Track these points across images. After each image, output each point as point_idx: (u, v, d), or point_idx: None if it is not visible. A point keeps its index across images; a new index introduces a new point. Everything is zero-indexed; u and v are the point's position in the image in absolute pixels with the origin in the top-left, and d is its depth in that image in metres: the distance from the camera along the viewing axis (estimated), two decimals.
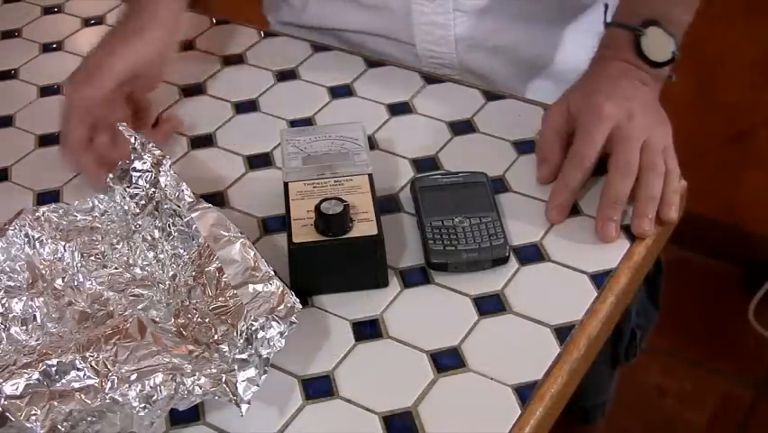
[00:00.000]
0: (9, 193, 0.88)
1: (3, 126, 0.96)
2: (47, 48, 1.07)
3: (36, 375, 0.63)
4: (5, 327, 0.71)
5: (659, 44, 0.85)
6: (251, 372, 0.64)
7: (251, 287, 0.68)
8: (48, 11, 1.13)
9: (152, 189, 0.76)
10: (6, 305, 0.72)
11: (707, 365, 1.78)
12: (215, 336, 0.68)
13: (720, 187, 1.79)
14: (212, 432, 0.67)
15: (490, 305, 0.74)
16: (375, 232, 0.74)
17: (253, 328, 0.65)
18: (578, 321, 0.72)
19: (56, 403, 0.62)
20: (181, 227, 0.74)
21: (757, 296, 1.79)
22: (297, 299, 0.67)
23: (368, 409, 0.68)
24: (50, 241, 0.75)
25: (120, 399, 0.62)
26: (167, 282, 0.74)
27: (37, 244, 0.75)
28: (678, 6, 0.88)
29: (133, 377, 0.63)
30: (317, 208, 0.74)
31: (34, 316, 0.72)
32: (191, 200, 0.74)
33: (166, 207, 0.75)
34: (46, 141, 0.93)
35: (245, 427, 0.67)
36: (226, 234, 0.71)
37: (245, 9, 1.16)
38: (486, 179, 0.83)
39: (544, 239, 0.79)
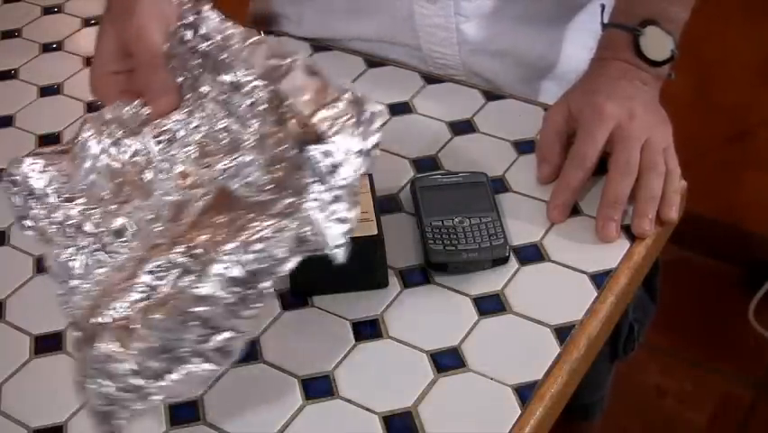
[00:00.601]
0: None
1: (3, 126, 0.96)
2: (47, 48, 1.07)
3: (139, 291, 0.59)
4: (102, 246, 0.64)
5: (658, 43, 0.85)
6: (340, 208, 0.59)
7: (323, 111, 0.62)
8: (48, 11, 1.13)
9: (204, 43, 0.69)
10: (94, 222, 0.65)
11: (707, 365, 1.78)
12: (306, 180, 0.61)
13: (720, 187, 1.79)
14: (212, 432, 0.67)
15: (490, 305, 0.74)
16: (375, 232, 0.74)
17: (315, 160, 0.59)
18: (578, 321, 0.72)
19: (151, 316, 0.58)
20: (245, 75, 0.67)
21: (757, 296, 1.79)
22: (376, 105, 0.62)
23: (368, 410, 0.68)
24: (120, 142, 0.68)
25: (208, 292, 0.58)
26: (251, 139, 0.67)
27: (112, 150, 0.68)
28: (675, 5, 0.88)
29: (239, 252, 0.58)
30: None
31: (125, 225, 0.65)
32: (241, 36, 0.67)
33: (222, 56, 0.68)
34: (46, 141, 0.93)
35: (245, 427, 0.67)
36: (284, 61, 0.65)
37: (245, 9, 1.16)
38: (486, 179, 0.83)
39: (544, 239, 0.79)
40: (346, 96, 0.62)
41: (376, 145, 0.61)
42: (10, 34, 1.10)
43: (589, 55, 0.89)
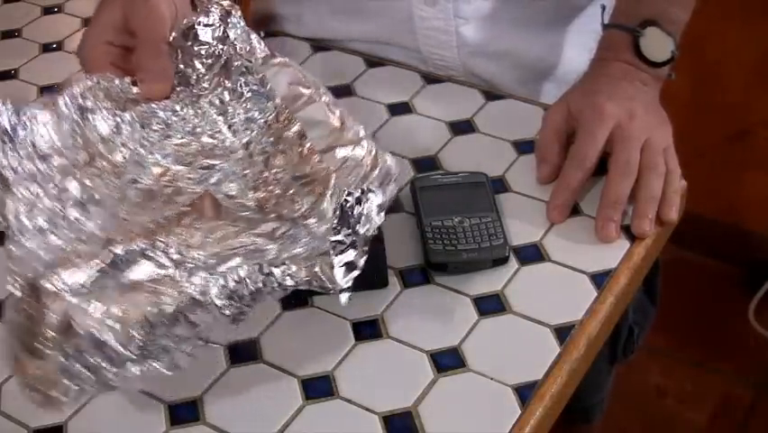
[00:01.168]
0: None
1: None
2: (47, 48, 1.07)
3: (101, 266, 0.56)
4: (62, 211, 0.61)
5: (658, 44, 0.85)
6: (350, 255, 0.57)
7: (338, 151, 0.60)
8: (48, 11, 1.13)
9: (221, 46, 0.67)
10: (62, 186, 0.62)
11: (707, 365, 1.78)
12: (302, 210, 0.60)
13: (720, 187, 1.79)
14: (212, 432, 0.67)
15: (490, 305, 0.74)
16: (375, 232, 0.74)
17: (348, 205, 0.57)
18: (578, 321, 0.72)
19: (126, 306, 0.55)
20: (254, 86, 0.66)
21: (757, 296, 1.79)
22: (392, 160, 0.60)
23: (368, 410, 0.68)
24: (105, 112, 0.66)
25: (200, 297, 0.56)
26: (240, 151, 0.65)
27: (91, 117, 0.66)
28: (675, 6, 0.88)
29: (212, 261, 0.56)
30: None
31: (93, 196, 0.63)
32: (265, 54, 0.66)
33: (236, 63, 0.67)
34: None
35: (245, 427, 0.67)
36: (306, 91, 0.64)
37: (245, 9, 1.16)
38: (486, 179, 0.83)
39: (543, 239, 0.79)
40: (364, 144, 0.61)
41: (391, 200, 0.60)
42: (10, 34, 1.10)
43: (589, 56, 0.89)
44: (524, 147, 0.88)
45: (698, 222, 1.33)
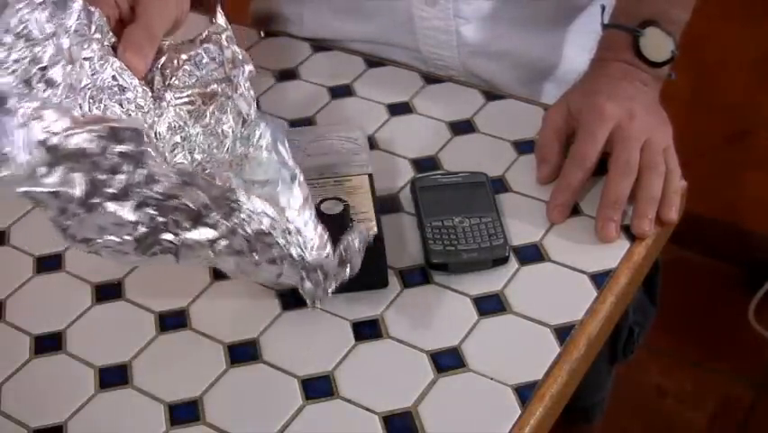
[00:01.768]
0: None
1: None
2: None
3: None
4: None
5: (658, 44, 0.85)
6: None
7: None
8: None
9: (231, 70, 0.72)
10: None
11: (707, 365, 1.78)
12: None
13: (720, 187, 1.79)
14: (212, 432, 0.67)
15: (490, 305, 0.74)
16: (375, 232, 0.74)
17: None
18: (578, 321, 0.72)
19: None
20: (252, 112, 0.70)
21: (757, 296, 1.79)
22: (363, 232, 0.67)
23: (368, 410, 0.68)
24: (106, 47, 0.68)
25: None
26: (227, 157, 0.70)
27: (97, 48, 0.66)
28: (676, 6, 0.88)
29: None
30: (317, 208, 0.74)
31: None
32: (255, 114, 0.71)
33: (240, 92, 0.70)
34: None
35: (245, 427, 0.67)
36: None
37: (245, 9, 1.16)
38: (486, 179, 0.83)
39: (544, 239, 0.79)
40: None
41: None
42: None
43: (589, 56, 0.89)
44: (524, 147, 0.88)
45: (698, 222, 1.33)
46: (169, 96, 0.69)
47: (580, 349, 0.71)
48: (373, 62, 1.00)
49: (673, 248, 0.94)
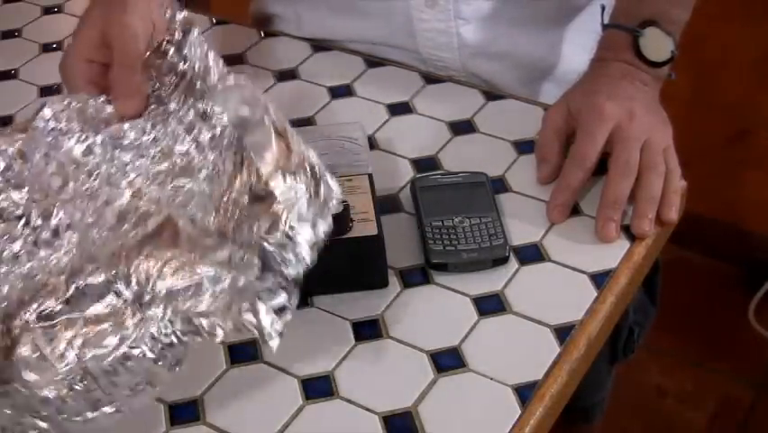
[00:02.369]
0: None
1: (3, 126, 0.96)
2: (47, 48, 1.07)
3: (59, 306, 0.58)
4: (35, 242, 0.63)
5: (658, 44, 0.85)
6: (282, 298, 0.58)
7: (279, 181, 0.61)
8: (48, 11, 1.13)
9: (182, 65, 0.68)
10: (35, 215, 0.64)
11: (707, 365, 1.78)
12: (261, 233, 0.60)
13: (720, 187, 1.79)
14: (212, 432, 0.67)
15: (490, 305, 0.74)
16: (375, 232, 0.74)
17: (271, 250, 0.58)
18: (578, 321, 0.72)
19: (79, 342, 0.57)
20: (213, 107, 0.67)
21: (757, 296, 1.79)
22: (333, 181, 0.61)
23: (368, 409, 0.68)
24: (78, 134, 0.67)
25: (135, 352, 0.58)
26: (207, 168, 0.66)
27: (66, 141, 0.66)
28: (676, 6, 0.88)
29: (162, 294, 0.58)
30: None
31: (68, 225, 0.64)
32: (219, 75, 0.67)
33: (198, 85, 0.68)
34: None
35: (245, 427, 0.67)
36: (253, 116, 0.64)
37: (245, 9, 1.16)
38: (486, 179, 0.83)
39: (544, 239, 0.79)
40: (308, 167, 0.61)
41: (326, 232, 0.61)
42: (10, 34, 1.10)
43: (589, 56, 0.89)
44: (524, 147, 0.88)
45: (698, 222, 1.33)
46: (173, 105, 0.69)
47: (580, 349, 0.71)
48: (373, 62, 1.00)
49: (673, 248, 0.94)
